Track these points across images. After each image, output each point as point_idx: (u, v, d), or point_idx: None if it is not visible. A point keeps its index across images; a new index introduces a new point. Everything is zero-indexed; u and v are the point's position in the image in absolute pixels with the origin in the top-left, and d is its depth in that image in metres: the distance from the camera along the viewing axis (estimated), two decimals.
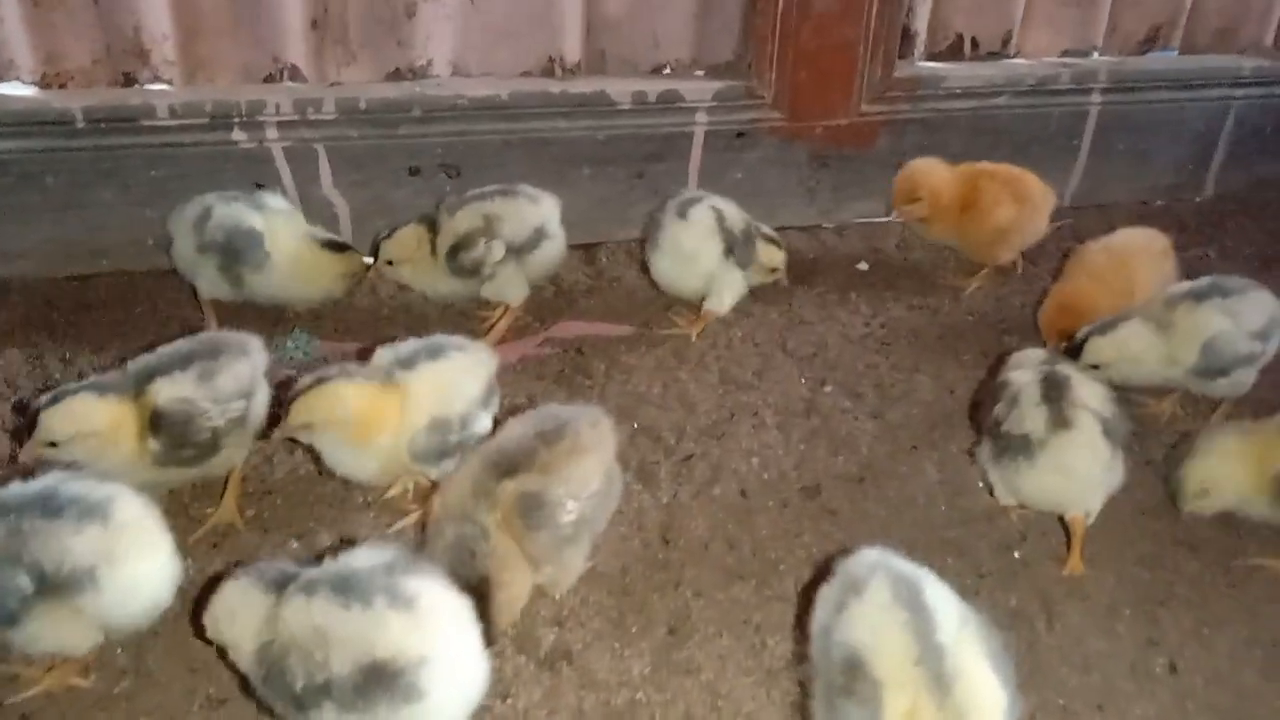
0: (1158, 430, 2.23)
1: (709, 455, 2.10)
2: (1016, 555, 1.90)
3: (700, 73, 2.77)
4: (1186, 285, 2.17)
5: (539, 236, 2.35)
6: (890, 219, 2.82)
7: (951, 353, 2.49)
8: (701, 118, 2.71)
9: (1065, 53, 3.08)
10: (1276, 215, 3.23)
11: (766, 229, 2.55)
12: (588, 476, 1.66)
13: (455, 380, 1.84)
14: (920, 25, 2.89)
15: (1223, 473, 1.89)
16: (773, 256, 2.52)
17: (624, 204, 2.76)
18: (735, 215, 2.45)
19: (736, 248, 2.42)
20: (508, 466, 1.64)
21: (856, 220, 2.99)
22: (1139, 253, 2.46)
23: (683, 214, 2.40)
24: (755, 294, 2.59)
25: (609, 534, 1.85)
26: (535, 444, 1.66)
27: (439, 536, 1.62)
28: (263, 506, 1.93)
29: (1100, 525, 1.89)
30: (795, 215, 2.93)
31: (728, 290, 2.44)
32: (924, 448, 2.15)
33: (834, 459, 2.11)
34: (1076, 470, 1.82)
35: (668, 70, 2.76)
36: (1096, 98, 3.00)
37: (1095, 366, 2.05)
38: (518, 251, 2.33)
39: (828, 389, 2.32)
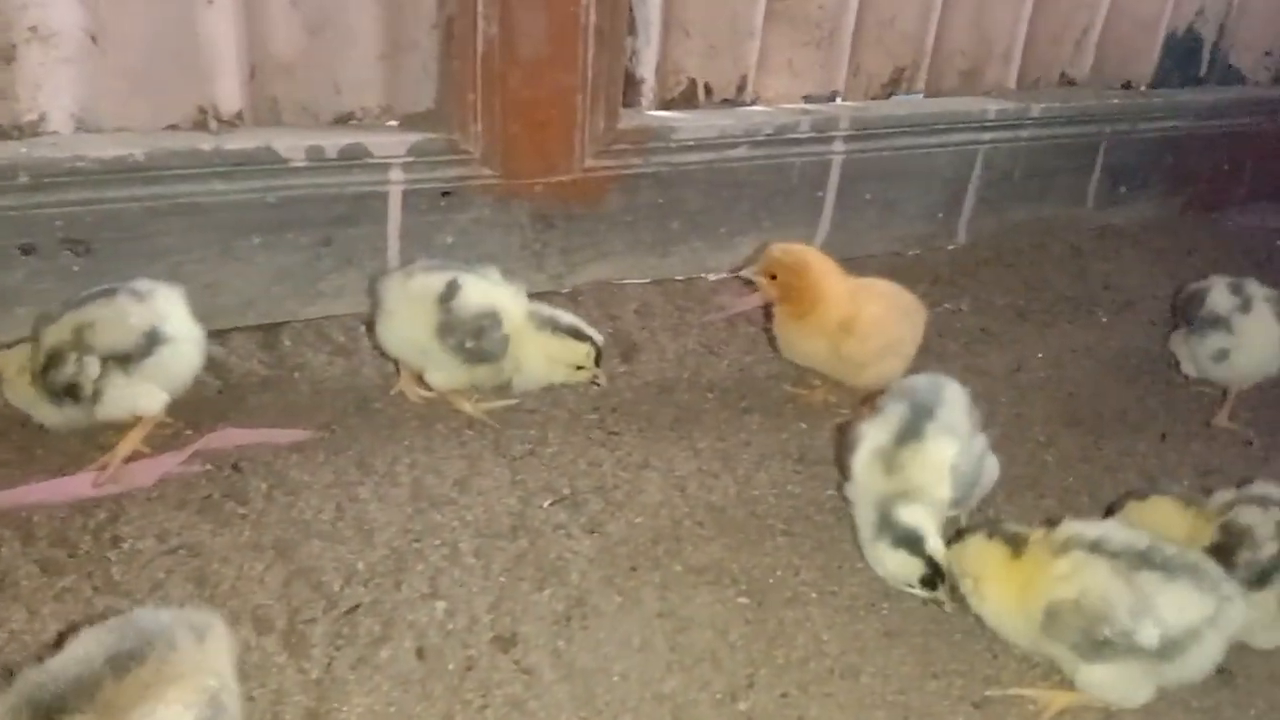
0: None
1: (381, 604, 1.69)
2: (741, 708, 1.58)
3: (394, 123, 2.39)
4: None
5: (151, 341, 1.89)
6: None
7: (686, 440, 2.19)
8: (397, 175, 2.33)
9: (807, 98, 2.86)
10: (1030, 262, 3.13)
11: (569, 320, 2.15)
12: (172, 717, 1.21)
13: None
14: (647, 71, 2.61)
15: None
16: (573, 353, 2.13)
17: (310, 276, 2.34)
18: (484, 293, 2.09)
19: (456, 329, 2.06)
20: (50, 708, 1.18)
21: (590, 284, 2.67)
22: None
23: (411, 274, 2.10)
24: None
25: None
26: (101, 672, 1.21)
27: None
28: None
29: None
30: (522, 281, 2.53)
31: (436, 368, 2.12)
32: (645, 568, 1.82)
33: (539, 594, 1.74)
34: None
35: (355, 120, 2.36)
36: (840, 145, 2.80)
37: None
38: (123, 362, 1.86)
39: (541, 498, 1.97)
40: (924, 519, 1.72)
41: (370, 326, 2.20)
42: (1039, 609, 1.59)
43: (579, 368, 2.13)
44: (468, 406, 2.17)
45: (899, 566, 1.72)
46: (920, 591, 1.74)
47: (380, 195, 2.33)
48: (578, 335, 2.13)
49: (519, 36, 2.29)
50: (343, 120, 2.35)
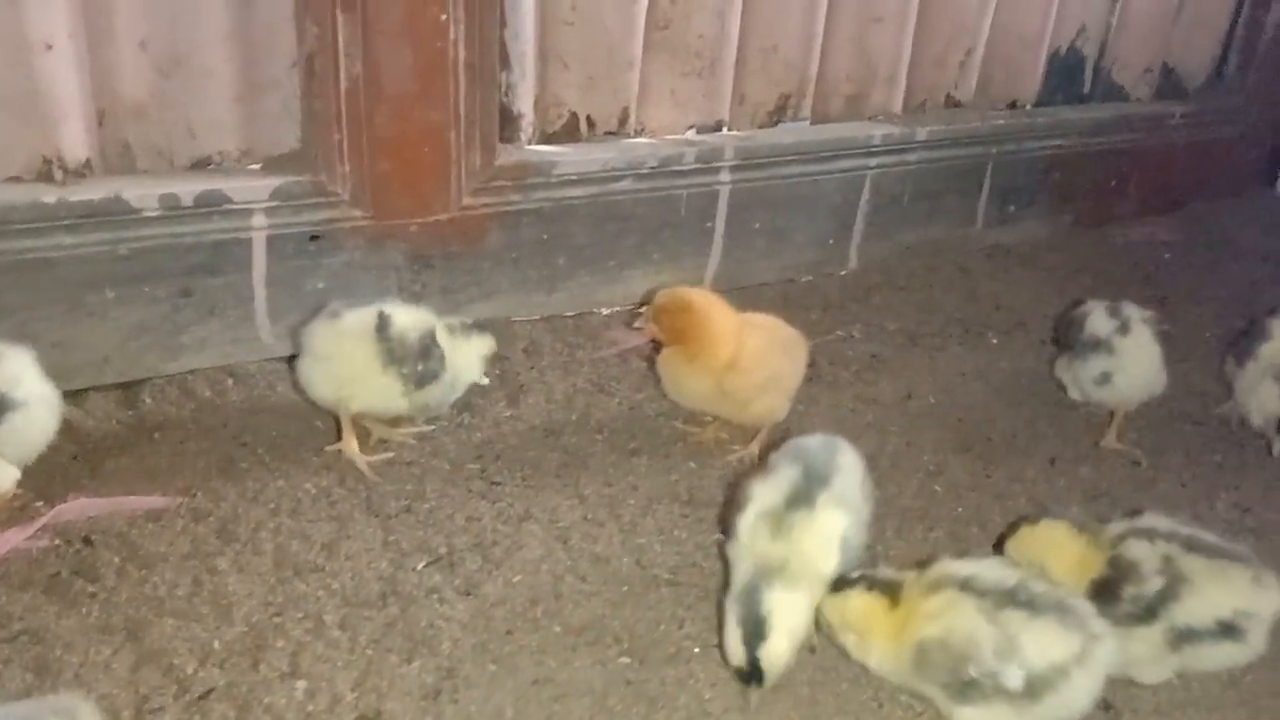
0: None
1: (237, 686, 1.59)
2: None
3: (256, 166, 2.28)
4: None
5: (0, 408, 1.78)
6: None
7: (571, 487, 2.12)
8: (260, 220, 2.22)
9: (692, 128, 2.82)
10: (921, 285, 3.12)
11: (463, 319, 2.20)
12: None
13: None
14: (524, 105, 2.54)
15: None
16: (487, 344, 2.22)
17: (170, 329, 2.22)
18: (412, 320, 2.07)
19: (406, 359, 2.05)
20: None
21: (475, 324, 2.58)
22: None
23: (336, 314, 2.03)
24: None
25: None
26: None
27: None
28: None
29: None
30: None
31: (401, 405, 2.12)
32: (522, 631, 1.74)
33: (407, 666, 1.65)
34: None
35: (213, 165, 2.25)
36: (726, 176, 2.76)
37: None
38: None
39: (415, 560, 1.88)
40: (783, 613, 1.59)
41: (299, 380, 2.11)
42: (910, 648, 1.56)
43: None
44: (359, 456, 2.12)
45: (729, 643, 1.61)
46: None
47: (243, 242, 2.22)
48: (480, 328, 2.20)
49: (384, 73, 2.21)
50: (200, 165, 2.24)
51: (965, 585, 1.57)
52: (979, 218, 3.27)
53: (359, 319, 2.03)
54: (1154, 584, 1.65)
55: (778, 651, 1.59)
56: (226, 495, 1.98)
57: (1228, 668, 1.73)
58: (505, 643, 1.72)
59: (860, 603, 1.62)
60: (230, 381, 2.28)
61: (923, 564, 1.68)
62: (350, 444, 2.11)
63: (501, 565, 1.88)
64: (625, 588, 1.86)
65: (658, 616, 1.80)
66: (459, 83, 2.29)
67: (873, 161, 2.99)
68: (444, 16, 2.22)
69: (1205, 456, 2.46)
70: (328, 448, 2.13)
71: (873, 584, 1.63)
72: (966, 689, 1.52)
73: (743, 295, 2.87)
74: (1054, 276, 3.28)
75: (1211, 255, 3.53)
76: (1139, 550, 1.69)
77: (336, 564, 1.84)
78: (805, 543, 1.66)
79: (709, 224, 2.79)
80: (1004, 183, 3.27)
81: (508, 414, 2.34)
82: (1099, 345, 2.35)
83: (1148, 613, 1.64)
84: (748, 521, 1.71)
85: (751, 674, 1.59)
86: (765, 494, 1.73)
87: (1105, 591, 1.65)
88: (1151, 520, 1.76)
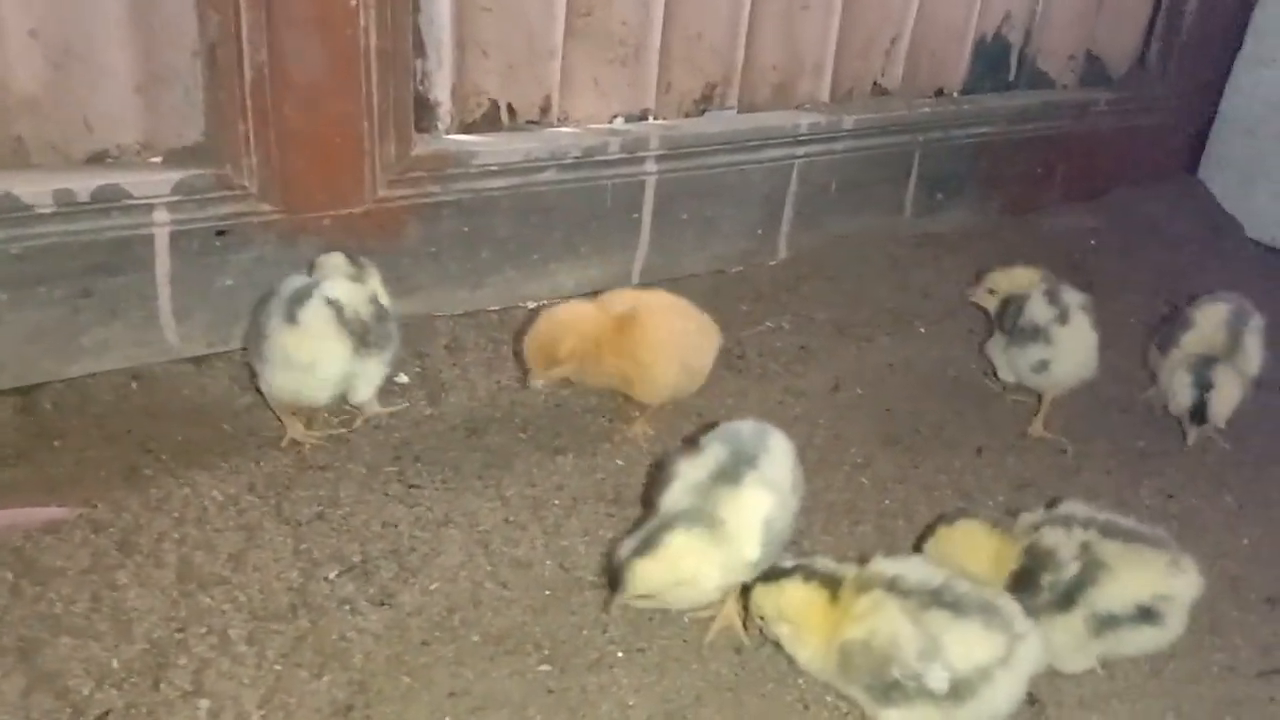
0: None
1: (136, 707, 1.51)
2: None
3: (158, 159, 2.18)
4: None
5: None
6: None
7: (494, 489, 2.06)
8: (163, 216, 2.13)
9: (618, 117, 2.77)
10: (851, 275, 3.10)
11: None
12: None
13: None
14: (442, 94, 2.46)
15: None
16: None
17: (70, 332, 2.12)
18: (356, 295, 2.03)
19: (370, 333, 2.02)
20: None
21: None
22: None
23: (291, 318, 1.95)
24: (253, 435, 2.07)
25: None
26: None
27: None
28: None
29: None
30: None
31: (366, 383, 2.10)
32: (439, 641, 1.69)
33: (317, 682, 1.59)
34: None
35: (110, 159, 2.14)
36: (652, 165, 2.71)
37: None
38: None
39: (327, 569, 1.81)
40: (678, 550, 1.59)
41: (268, 390, 2.07)
42: (836, 650, 1.54)
43: None
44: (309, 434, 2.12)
45: (618, 551, 1.63)
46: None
47: (144, 239, 2.13)
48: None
49: (291, 63, 2.12)
50: (98, 159, 2.13)
51: (891, 586, 1.55)
52: (907, 206, 3.26)
53: (319, 316, 1.99)
54: (1071, 570, 1.65)
55: (650, 573, 1.58)
56: (129, 505, 1.89)
57: (1149, 653, 1.73)
58: (421, 654, 1.66)
59: (799, 594, 1.59)
60: (134, 385, 2.19)
61: (863, 560, 1.64)
62: (296, 426, 2.10)
63: (418, 573, 1.82)
64: (548, 592, 1.82)
65: (581, 621, 1.76)
66: (371, 71, 2.21)
67: (800, 151, 2.96)
68: (354, 2, 2.14)
69: (1130, 443, 2.48)
70: (282, 443, 2.09)
71: (811, 575, 1.60)
72: (891, 691, 1.50)
73: (673, 287, 2.84)
74: (982, 264, 3.26)
75: (1136, 241, 3.56)
76: (1055, 537, 1.69)
77: (244, 575, 1.77)
78: (728, 518, 1.63)
79: (636, 215, 2.74)
80: (932, 171, 3.26)
81: (428, 413, 2.27)
82: (1037, 333, 2.35)
83: (1066, 599, 1.64)
84: (672, 496, 1.67)
85: (615, 580, 1.59)
86: (691, 471, 1.70)
87: (1024, 581, 1.65)
88: (1069, 508, 1.75)
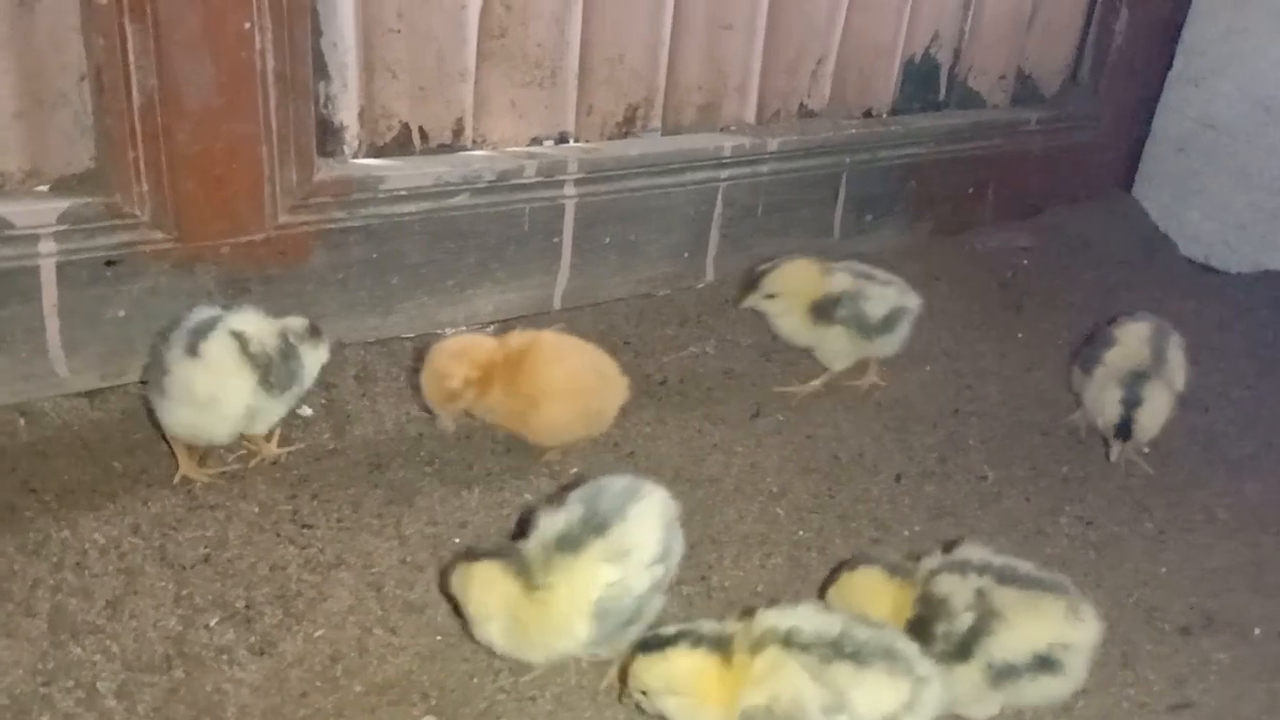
0: None
1: None
2: None
3: (44, 188, 2.10)
4: None
5: None
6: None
7: (392, 527, 1.99)
8: (49, 246, 2.05)
9: (537, 140, 2.71)
10: None
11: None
12: None
13: None
14: (348, 117, 2.40)
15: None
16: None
17: None
18: (264, 328, 1.99)
19: (274, 370, 1.96)
20: None
21: None
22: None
23: (193, 350, 1.88)
24: (144, 473, 1.99)
25: None
26: None
27: None
28: None
29: None
30: None
31: (263, 421, 2.05)
32: (319, 692, 1.62)
33: None
34: None
35: None
36: (571, 189, 2.66)
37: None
38: None
39: (208, 616, 1.73)
40: (489, 590, 1.58)
41: (166, 423, 2.00)
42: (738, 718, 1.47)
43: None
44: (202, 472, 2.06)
45: None
46: None
47: (29, 270, 2.05)
48: (316, 332, 2.16)
49: (183, 86, 2.05)
50: None
51: (788, 641, 1.48)
52: (836, 228, 3.23)
53: (222, 350, 1.94)
54: (964, 620, 1.60)
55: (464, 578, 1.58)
56: (4, 550, 1.81)
57: (1053, 703, 1.68)
58: (299, 706, 1.59)
59: (687, 663, 1.48)
60: (21, 421, 2.10)
61: (747, 612, 1.58)
62: (189, 463, 2.03)
63: (303, 619, 1.75)
64: (439, 638, 1.75)
65: (471, 669, 1.70)
66: (269, 94, 2.14)
67: (724, 173, 2.92)
68: (248, 24, 2.08)
69: (1051, 468, 2.45)
70: (174, 480, 2.02)
71: (699, 640, 1.50)
72: None
73: (596, 311, 2.81)
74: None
75: (1068, 260, 3.55)
76: (950, 585, 1.64)
77: (119, 624, 1.69)
78: (559, 592, 1.55)
79: (556, 239, 2.69)
80: (860, 192, 3.23)
81: (331, 447, 2.20)
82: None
83: (962, 650, 1.59)
84: (530, 549, 1.61)
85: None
86: (546, 526, 1.63)
87: (920, 630, 1.60)
88: (966, 552, 1.70)
